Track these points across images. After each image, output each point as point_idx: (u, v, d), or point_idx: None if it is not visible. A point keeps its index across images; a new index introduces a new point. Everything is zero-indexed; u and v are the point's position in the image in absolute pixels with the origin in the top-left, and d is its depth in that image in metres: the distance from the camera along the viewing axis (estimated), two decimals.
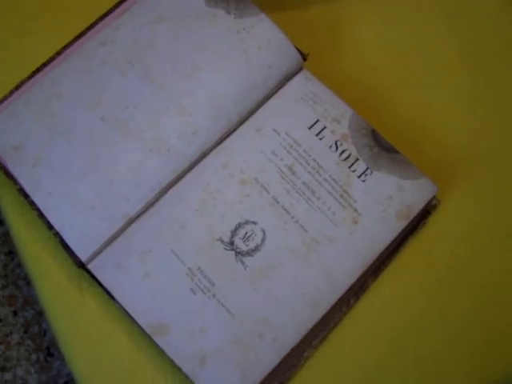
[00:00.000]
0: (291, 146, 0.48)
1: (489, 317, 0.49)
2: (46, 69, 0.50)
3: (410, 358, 0.48)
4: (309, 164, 0.48)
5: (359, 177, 0.48)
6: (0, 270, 1.04)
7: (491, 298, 0.50)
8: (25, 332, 1.01)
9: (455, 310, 0.49)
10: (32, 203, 0.46)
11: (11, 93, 0.49)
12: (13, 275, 1.03)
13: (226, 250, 0.46)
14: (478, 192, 0.52)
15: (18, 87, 0.49)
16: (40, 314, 1.01)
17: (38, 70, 0.50)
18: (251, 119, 0.49)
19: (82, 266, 0.45)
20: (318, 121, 0.49)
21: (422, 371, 0.48)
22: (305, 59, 0.50)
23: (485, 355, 0.48)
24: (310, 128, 0.49)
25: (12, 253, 1.04)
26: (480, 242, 0.51)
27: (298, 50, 0.50)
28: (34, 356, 0.99)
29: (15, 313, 1.01)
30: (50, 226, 0.46)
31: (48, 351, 1.00)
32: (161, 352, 0.44)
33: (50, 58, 0.50)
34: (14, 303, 1.02)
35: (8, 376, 0.98)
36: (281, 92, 0.50)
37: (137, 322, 0.44)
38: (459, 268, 0.50)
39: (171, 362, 0.44)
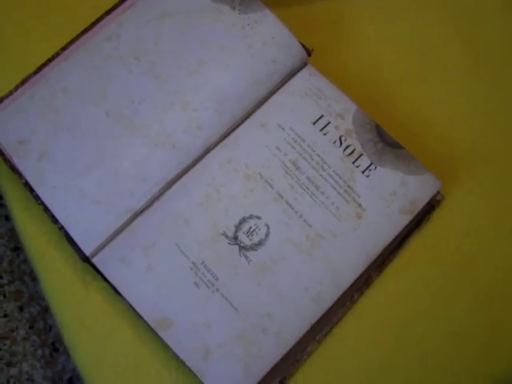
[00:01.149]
0: (295, 141, 0.48)
1: (493, 313, 0.49)
2: (51, 64, 0.50)
3: (414, 354, 0.48)
4: (313, 159, 0.48)
5: (363, 172, 0.48)
6: (6, 265, 1.04)
7: (495, 294, 0.50)
8: (30, 327, 1.01)
9: (459, 306, 0.49)
10: (37, 197, 0.46)
11: (17, 88, 0.49)
12: (19, 271, 1.04)
13: (230, 244, 0.46)
14: (482, 188, 0.52)
15: (23, 82, 0.50)
16: (46, 310, 1.02)
17: (44, 65, 0.50)
18: (256, 114, 0.49)
19: (86, 260, 0.46)
20: (322, 116, 0.49)
21: (425, 367, 0.48)
22: (309, 54, 0.50)
23: (489, 351, 0.48)
24: (314, 123, 0.49)
25: (18, 248, 1.05)
26: (484, 238, 0.51)
27: (303, 46, 0.50)
28: (39, 351, 1.00)
29: (21, 308, 1.02)
30: (55, 220, 0.46)
31: (53, 347, 1.00)
32: (165, 346, 0.44)
33: (56, 53, 0.50)
34: (20, 299, 1.02)
35: (14, 371, 0.98)
36: (285, 87, 0.50)
37: (141, 316, 0.45)
38: (463, 264, 0.50)
39: (175, 356, 0.44)
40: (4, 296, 1.02)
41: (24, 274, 1.04)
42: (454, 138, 0.54)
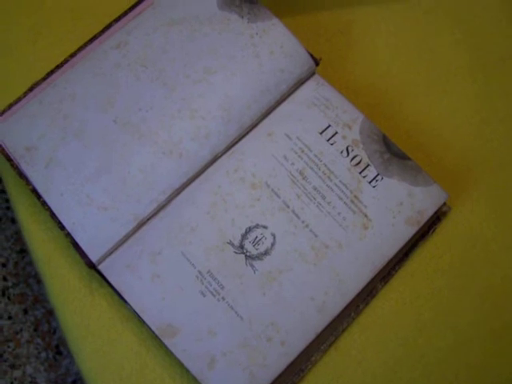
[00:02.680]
0: (302, 151, 0.48)
1: (498, 323, 0.49)
2: (60, 71, 0.50)
3: (419, 364, 0.48)
4: (320, 169, 0.48)
5: (370, 182, 0.48)
6: (11, 268, 1.04)
7: (500, 305, 0.50)
8: (35, 330, 1.01)
9: (464, 317, 0.49)
10: (44, 204, 0.47)
11: (25, 94, 0.49)
12: (24, 273, 1.04)
13: (236, 253, 0.46)
14: (489, 198, 0.52)
15: (31, 89, 0.50)
16: (50, 313, 1.02)
17: (52, 71, 0.50)
18: (263, 123, 0.49)
19: (92, 266, 0.46)
20: (329, 126, 0.49)
21: (430, 377, 0.48)
22: (317, 64, 0.50)
23: (494, 361, 0.48)
24: (321, 133, 0.49)
25: (23, 251, 1.05)
26: (490, 249, 0.51)
27: (311, 55, 0.50)
28: (43, 354, 1.00)
29: (25, 311, 1.02)
30: (62, 227, 0.46)
31: (57, 350, 1.00)
32: (169, 353, 0.45)
33: (64, 59, 0.50)
34: (25, 301, 1.03)
35: (17, 373, 0.99)
36: (293, 97, 0.50)
37: (146, 324, 0.45)
38: (469, 274, 0.50)
39: (180, 364, 0.44)
40: (9, 298, 1.02)
41: (29, 277, 1.04)
42: (461, 149, 0.54)
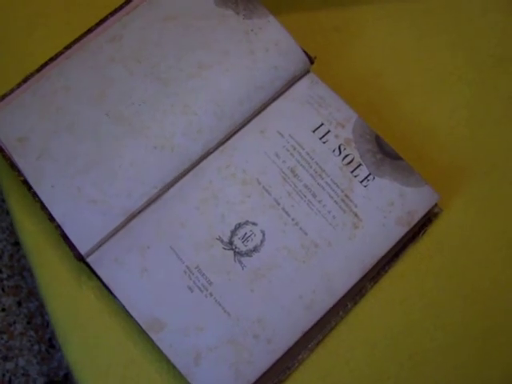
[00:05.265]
0: (294, 149, 0.48)
1: (487, 325, 0.49)
2: (54, 63, 0.50)
3: (407, 365, 0.48)
4: (311, 167, 0.48)
5: (361, 182, 0.47)
6: (6, 260, 1.04)
7: (489, 308, 0.49)
8: (28, 323, 1.01)
9: (453, 318, 0.49)
10: (35, 195, 0.47)
11: (19, 85, 0.49)
12: (18, 265, 1.04)
13: (225, 249, 0.46)
14: (482, 200, 0.52)
15: (25, 80, 0.50)
16: (43, 306, 1.02)
17: (46, 63, 0.50)
18: (256, 120, 0.49)
19: (81, 259, 0.46)
20: (322, 124, 0.49)
21: (418, 378, 0.48)
22: (312, 62, 0.50)
23: (482, 364, 0.48)
24: (314, 131, 0.49)
25: (18, 243, 1.05)
26: (481, 252, 0.51)
27: (306, 53, 0.50)
28: (36, 347, 1.00)
29: (19, 303, 1.02)
30: (52, 219, 0.46)
31: (50, 343, 1.00)
32: (156, 348, 0.44)
33: (59, 52, 0.50)
34: (19, 294, 1.03)
35: (10, 365, 0.99)
36: (286, 94, 0.50)
37: (133, 317, 0.45)
38: (459, 276, 0.50)
39: (166, 359, 0.44)
40: (3, 290, 1.03)
41: (24, 269, 1.04)
42: (454, 150, 0.53)
